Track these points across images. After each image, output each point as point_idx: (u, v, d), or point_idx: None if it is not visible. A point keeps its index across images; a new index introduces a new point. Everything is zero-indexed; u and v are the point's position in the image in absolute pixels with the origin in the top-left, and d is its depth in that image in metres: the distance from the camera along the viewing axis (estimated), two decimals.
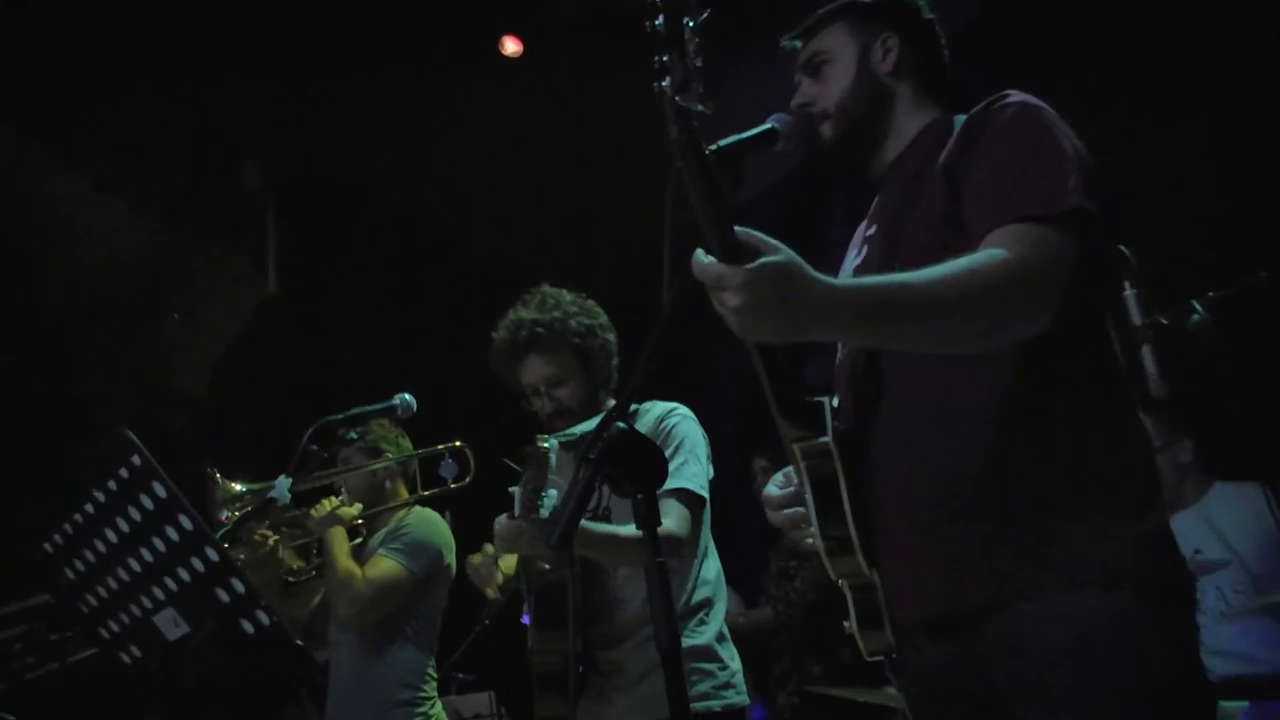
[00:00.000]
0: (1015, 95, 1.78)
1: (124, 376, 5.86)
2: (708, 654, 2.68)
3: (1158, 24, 4.60)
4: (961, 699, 1.70)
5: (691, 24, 1.37)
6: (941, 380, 1.68)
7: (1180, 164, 4.42)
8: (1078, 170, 1.65)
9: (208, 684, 2.11)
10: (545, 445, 2.48)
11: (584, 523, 2.50)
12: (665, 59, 1.37)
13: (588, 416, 2.78)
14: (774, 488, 1.93)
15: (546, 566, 2.68)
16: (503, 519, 2.50)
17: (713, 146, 1.70)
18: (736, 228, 1.38)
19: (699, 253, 1.40)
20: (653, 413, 2.79)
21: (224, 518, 3.22)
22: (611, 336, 2.89)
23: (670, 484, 2.60)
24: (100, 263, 5.90)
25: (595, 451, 1.51)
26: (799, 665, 5.03)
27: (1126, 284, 3.02)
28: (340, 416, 2.61)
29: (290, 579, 3.33)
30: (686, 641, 2.58)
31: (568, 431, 2.76)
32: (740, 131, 1.79)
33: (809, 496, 1.76)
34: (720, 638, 2.75)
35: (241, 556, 3.27)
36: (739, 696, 2.71)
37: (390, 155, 5.85)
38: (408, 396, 2.80)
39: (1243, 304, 2.78)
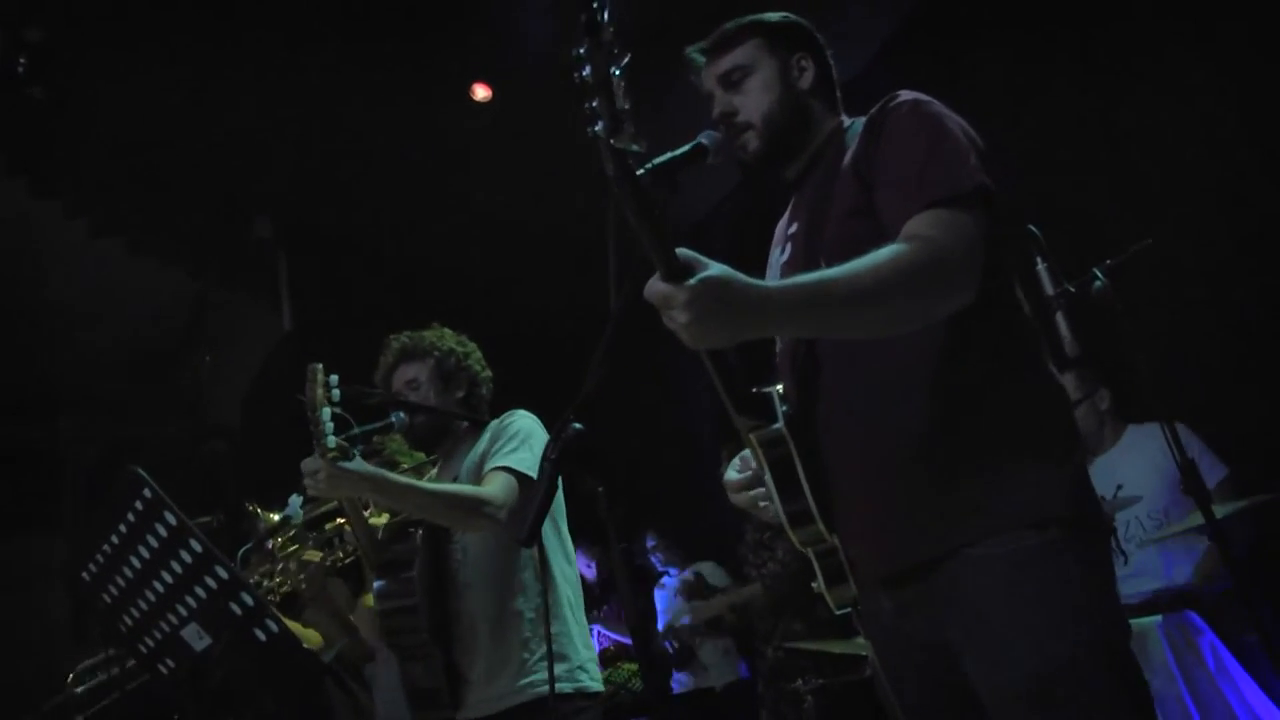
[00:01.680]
0: (906, 94, 1.75)
1: (166, 414, 5.81)
2: (562, 639, 2.60)
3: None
4: (917, 644, 1.67)
5: (617, 71, 1.31)
6: (871, 356, 1.65)
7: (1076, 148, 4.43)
8: (973, 152, 1.63)
9: (238, 685, 2.05)
10: (316, 366, 2.49)
11: (390, 473, 2.53)
12: (595, 105, 1.31)
13: (438, 419, 2.88)
14: (733, 472, 1.90)
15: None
16: (307, 460, 2.45)
17: (648, 165, 1.66)
18: (676, 249, 1.35)
19: (652, 280, 1.37)
20: (503, 416, 2.85)
21: (270, 546, 3.15)
22: (476, 365, 3.01)
23: (496, 462, 2.64)
24: (138, 315, 5.87)
25: (554, 451, 1.45)
26: (781, 623, 4.98)
27: (1038, 258, 2.98)
28: (343, 438, 2.55)
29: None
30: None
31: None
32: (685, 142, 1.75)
33: (769, 479, 1.72)
34: (575, 627, 2.68)
35: (273, 574, 3.18)
36: (591, 682, 2.65)
37: (385, 201, 5.79)
38: (402, 414, 2.74)
39: (1134, 267, 2.74)
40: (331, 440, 2.41)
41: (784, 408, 1.69)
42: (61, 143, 4.95)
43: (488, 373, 3.05)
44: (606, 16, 1.32)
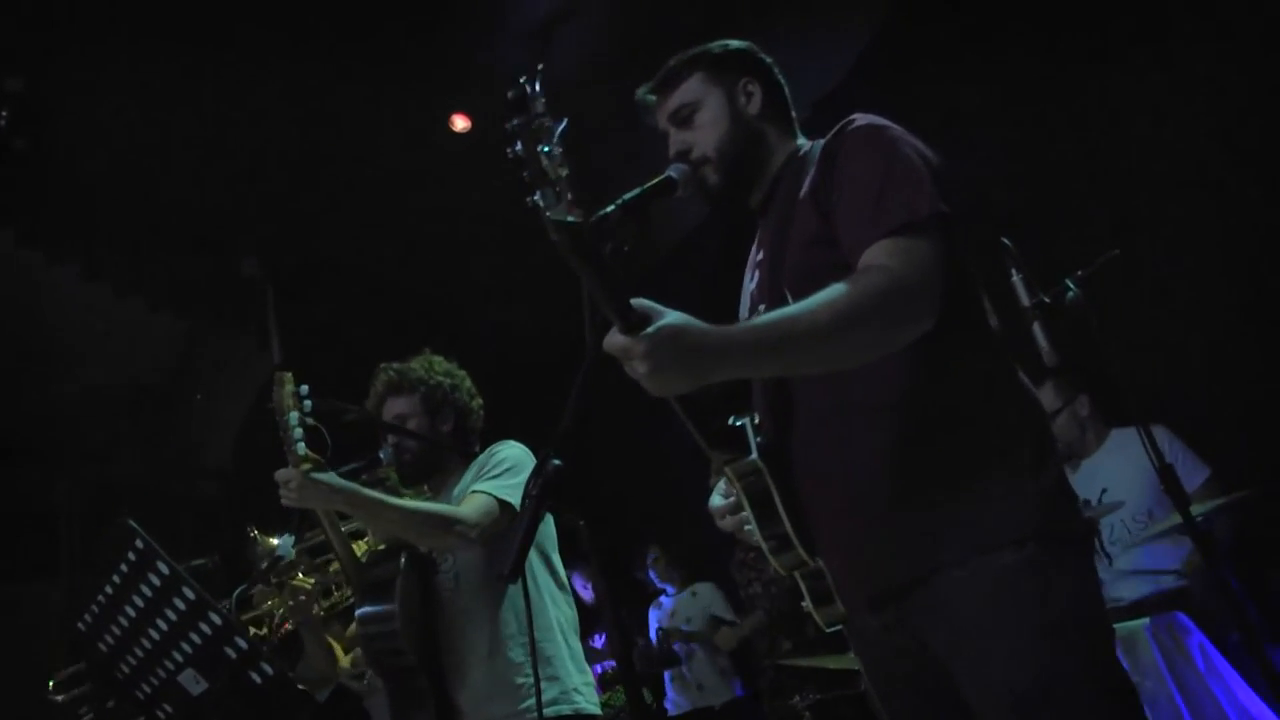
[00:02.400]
0: (862, 118, 1.75)
1: (159, 457, 5.82)
2: (553, 663, 2.60)
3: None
4: (906, 658, 1.69)
5: (547, 149, 1.34)
6: (840, 382, 1.65)
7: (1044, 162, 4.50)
8: (929, 178, 1.63)
9: None
10: (284, 374, 2.51)
11: (357, 487, 2.51)
12: (531, 178, 1.33)
13: (425, 449, 2.85)
14: (717, 498, 1.90)
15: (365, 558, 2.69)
16: (280, 471, 2.45)
17: (618, 200, 1.69)
18: (631, 300, 1.36)
19: (610, 333, 1.39)
20: (494, 446, 2.83)
21: (274, 580, 3.13)
22: (464, 396, 2.96)
23: (476, 486, 2.62)
24: (129, 358, 5.89)
25: (537, 487, 1.47)
26: (772, 643, 5.02)
27: (1013, 270, 3.03)
28: (341, 472, 2.56)
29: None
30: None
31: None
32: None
33: (748, 509, 1.74)
34: (567, 651, 2.66)
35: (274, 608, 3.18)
36: (588, 704, 2.63)
37: (371, 234, 5.82)
38: (389, 449, 2.75)
39: (1111, 275, 2.79)
40: (301, 447, 2.40)
41: (758, 438, 1.70)
42: (45, 192, 4.97)
43: (477, 401, 3.02)
44: (536, 89, 1.35)
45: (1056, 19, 4.45)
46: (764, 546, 1.73)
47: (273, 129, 5.02)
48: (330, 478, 2.44)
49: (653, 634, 5.82)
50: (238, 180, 5.26)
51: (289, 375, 2.51)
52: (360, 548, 3.23)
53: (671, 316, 1.37)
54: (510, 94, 1.32)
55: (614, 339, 1.37)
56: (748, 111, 1.90)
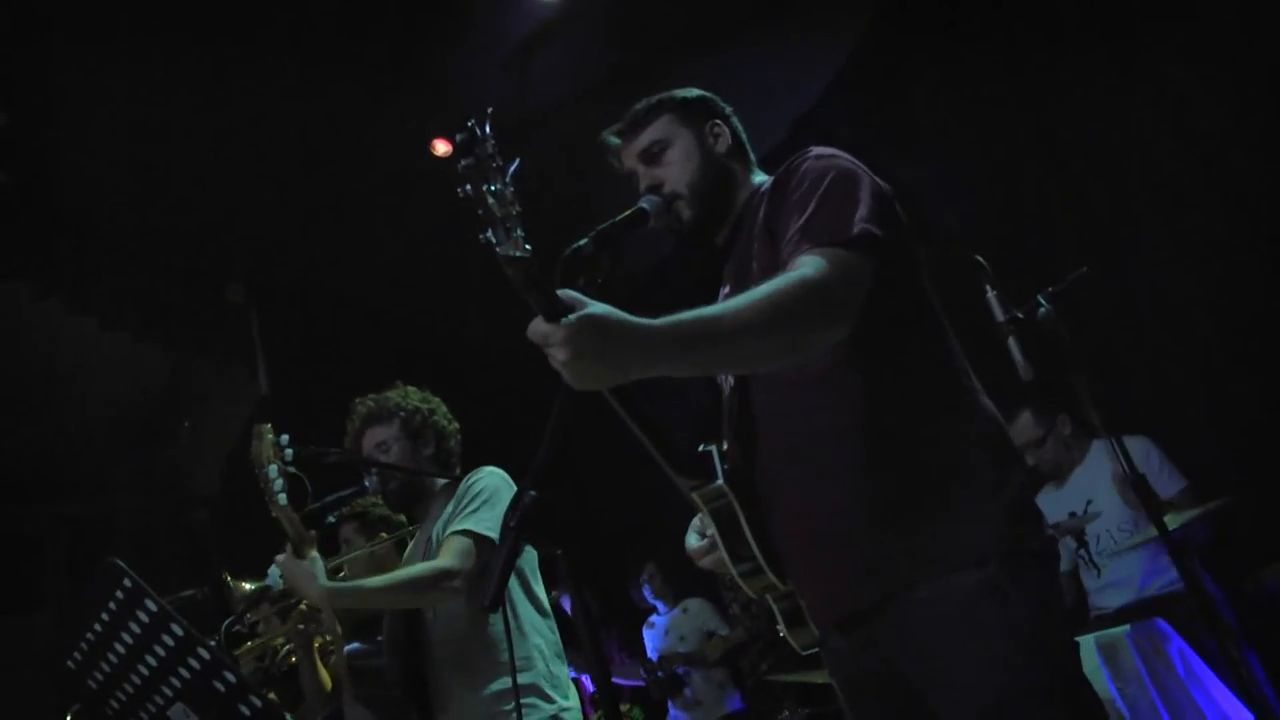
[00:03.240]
0: (813, 150, 1.80)
1: (147, 488, 5.82)
2: (536, 691, 2.63)
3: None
4: (876, 679, 1.72)
5: (495, 189, 1.37)
6: (800, 409, 1.70)
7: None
8: (866, 203, 1.66)
9: None
10: (263, 426, 2.52)
11: (334, 586, 2.53)
12: (482, 215, 1.36)
13: (410, 478, 2.90)
14: (693, 538, 1.93)
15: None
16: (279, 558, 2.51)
17: (591, 233, 1.73)
18: (559, 290, 1.38)
19: (534, 321, 1.38)
20: (469, 475, 2.86)
21: (248, 618, 3.15)
22: (442, 420, 3.02)
23: (456, 526, 2.65)
24: (115, 389, 5.89)
25: (514, 519, 1.51)
26: (753, 664, 5.05)
27: (987, 287, 3.08)
28: (317, 505, 2.59)
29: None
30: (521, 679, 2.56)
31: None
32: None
33: (716, 534, 1.76)
34: (549, 679, 2.69)
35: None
36: None
37: (355, 259, 5.85)
38: (374, 479, 2.78)
39: (1073, 293, 2.85)
40: (282, 498, 2.43)
41: (724, 465, 1.73)
42: (29, 227, 4.99)
43: (454, 425, 3.07)
44: (486, 130, 1.37)
45: (1030, 38, 4.52)
46: (734, 571, 1.76)
47: (254, 154, 5.04)
48: (319, 575, 2.47)
49: (650, 653, 5.84)
50: (221, 208, 5.28)
51: (268, 427, 2.52)
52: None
53: (595, 306, 1.37)
54: (458, 137, 1.35)
55: (536, 325, 1.36)
56: (716, 150, 1.95)
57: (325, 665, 3.33)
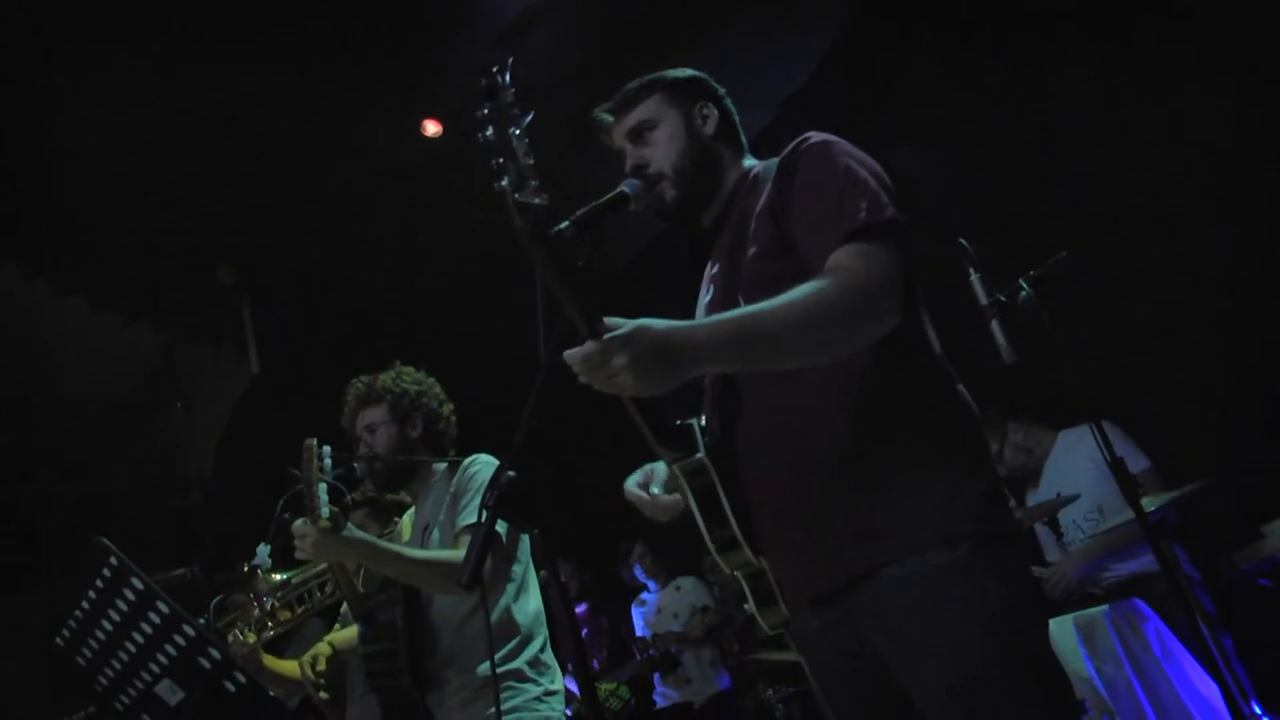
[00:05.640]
0: (816, 135, 1.82)
1: (137, 469, 5.84)
2: (519, 675, 2.67)
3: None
4: (846, 658, 1.75)
5: (517, 131, 1.40)
6: (784, 388, 1.72)
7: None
8: (882, 189, 1.71)
9: None
10: (311, 442, 2.56)
11: (378, 540, 2.60)
12: (500, 163, 1.40)
13: (398, 461, 2.95)
14: (634, 481, 1.96)
15: (361, 590, 2.78)
16: (298, 523, 2.52)
17: (572, 217, 1.74)
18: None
19: (570, 353, 1.44)
20: (465, 463, 2.89)
21: (270, 606, 3.20)
22: (432, 401, 3.04)
23: (466, 520, 2.70)
24: (105, 371, 5.90)
25: (492, 499, 1.53)
26: (729, 642, 5.10)
27: (971, 270, 3.10)
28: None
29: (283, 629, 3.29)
30: (502, 667, 2.62)
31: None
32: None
33: (694, 507, 1.78)
34: (533, 663, 2.72)
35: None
36: (552, 711, 2.70)
37: (346, 240, 5.85)
38: (328, 448, 2.81)
39: (1054, 277, 2.88)
40: (326, 511, 2.48)
41: (705, 438, 1.76)
42: (19, 207, 4.99)
43: (448, 407, 3.11)
44: (508, 79, 1.41)
45: (1018, 21, 4.53)
46: (710, 546, 1.78)
47: (246, 137, 5.04)
48: (349, 532, 2.53)
49: (639, 630, 5.89)
50: (212, 189, 5.28)
51: (314, 443, 2.57)
52: None
53: (634, 322, 1.42)
54: (482, 82, 1.37)
55: (584, 348, 1.41)
56: (704, 132, 1.97)
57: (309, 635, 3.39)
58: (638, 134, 1.96)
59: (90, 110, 4.66)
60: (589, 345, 1.41)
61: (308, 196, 5.49)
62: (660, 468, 1.93)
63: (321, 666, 2.94)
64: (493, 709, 2.53)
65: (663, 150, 1.94)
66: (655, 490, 1.92)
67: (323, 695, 2.97)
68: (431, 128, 5.50)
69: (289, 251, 5.87)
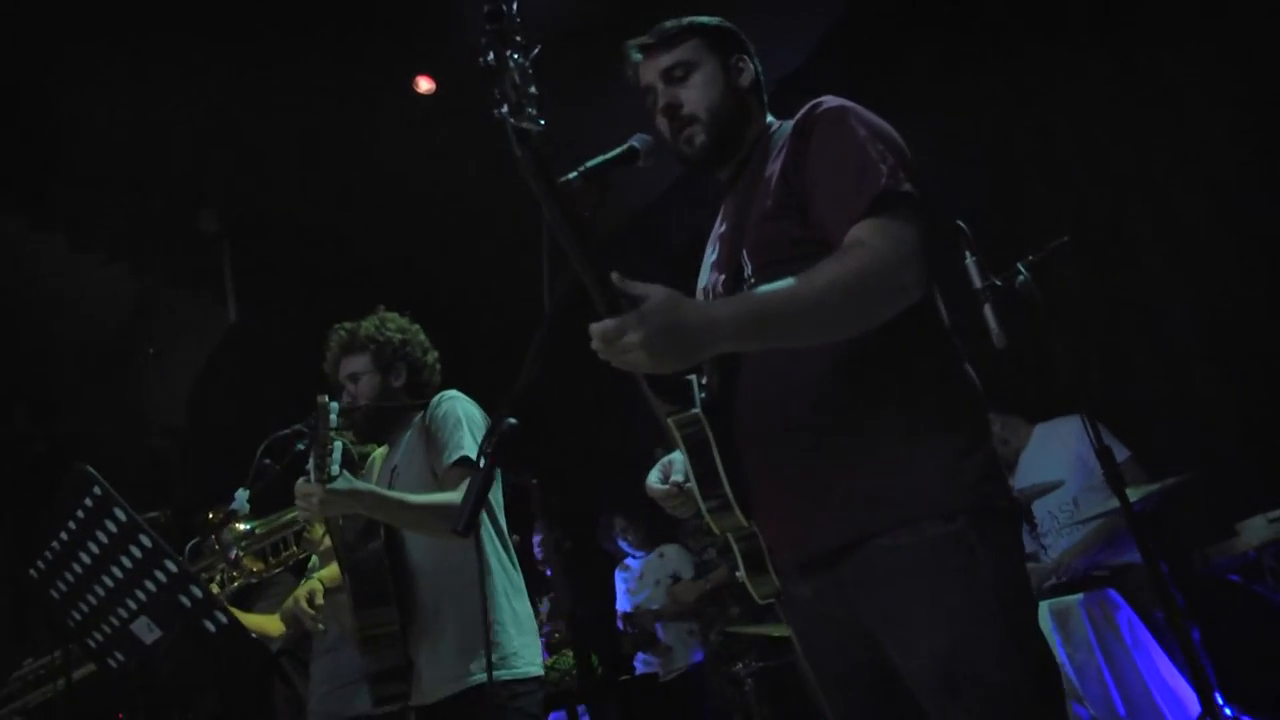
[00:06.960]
0: (832, 100, 1.79)
1: (111, 412, 5.76)
2: (492, 627, 2.62)
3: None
4: (834, 626, 1.74)
5: (518, 57, 1.36)
6: (786, 349, 1.69)
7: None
8: (899, 160, 1.68)
9: (186, 677, 2.10)
10: (324, 399, 2.50)
11: (378, 489, 2.56)
12: (499, 89, 1.36)
13: (380, 409, 2.91)
14: (655, 477, 1.95)
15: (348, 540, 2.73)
16: (301, 481, 2.46)
17: (580, 168, 1.71)
18: (613, 276, 1.38)
19: (592, 326, 1.40)
20: (434, 401, 2.86)
21: (234, 555, 3.16)
22: (416, 350, 3.01)
23: (452, 456, 2.65)
24: (81, 312, 5.81)
25: (491, 446, 1.51)
26: (722, 609, 5.09)
27: (966, 253, 3.09)
28: (288, 432, 2.59)
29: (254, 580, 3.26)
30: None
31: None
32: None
33: (688, 463, 1.76)
34: (510, 613, 2.70)
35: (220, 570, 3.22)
36: (529, 667, 2.67)
37: (330, 190, 5.77)
38: (335, 404, 2.77)
39: (1053, 262, 2.87)
40: (336, 468, 2.42)
41: (703, 394, 1.75)
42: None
43: (432, 355, 3.07)
44: (514, 7, 1.37)
45: (1018, 6, 4.52)
46: (701, 506, 1.76)
47: (234, 83, 4.95)
48: (352, 485, 2.46)
49: (621, 597, 5.88)
50: (196, 133, 5.19)
51: (327, 399, 2.50)
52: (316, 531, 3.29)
53: (661, 290, 1.39)
54: (487, 6, 1.33)
55: (602, 324, 1.38)
56: (739, 83, 1.94)
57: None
58: (673, 75, 1.91)
59: (74, 50, 4.56)
60: (607, 322, 1.39)
61: (295, 145, 5.40)
62: (677, 457, 1.91)
63: (320, 601, 2.92)
64: (469, 664, 2.51)
65: (699, 94, 1.90)
66: (677, 478, 1.90)
67: (320, 628, 2.94)
68: (424, 84, 5.42)
69: (273, 199, 5.78)
